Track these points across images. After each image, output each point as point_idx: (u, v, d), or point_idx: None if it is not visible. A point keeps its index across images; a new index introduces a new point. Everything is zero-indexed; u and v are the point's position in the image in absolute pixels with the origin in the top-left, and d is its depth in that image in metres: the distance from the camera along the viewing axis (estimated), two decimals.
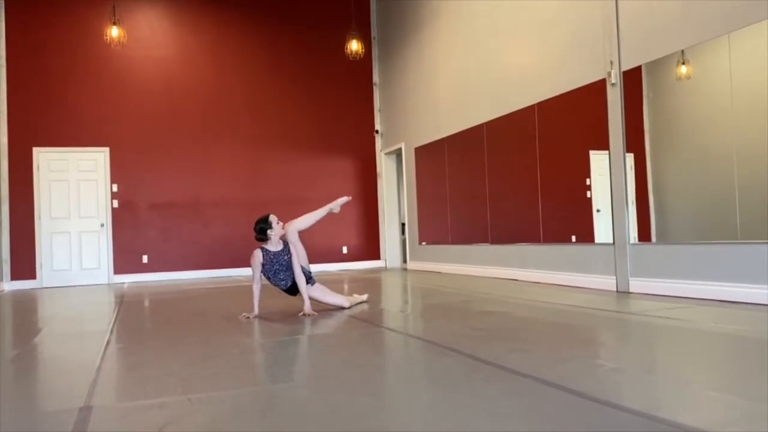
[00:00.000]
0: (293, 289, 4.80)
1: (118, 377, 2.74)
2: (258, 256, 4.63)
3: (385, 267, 10.90)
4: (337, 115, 10.86)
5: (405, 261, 10.74)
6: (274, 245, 4.67)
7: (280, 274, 4.68)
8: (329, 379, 2.48)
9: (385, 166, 11.04)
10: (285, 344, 3.39)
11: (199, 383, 2.53)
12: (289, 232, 4.77)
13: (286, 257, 4.68)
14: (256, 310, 4.67)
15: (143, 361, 3.07)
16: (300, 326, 4.09)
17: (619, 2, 5.42)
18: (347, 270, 10.47)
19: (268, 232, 4.62)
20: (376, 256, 11.08)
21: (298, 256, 4.73)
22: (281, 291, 4.91)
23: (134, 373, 2.81)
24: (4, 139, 9.03)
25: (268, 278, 4.72)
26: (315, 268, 10.58)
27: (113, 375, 2.78)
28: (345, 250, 10.84)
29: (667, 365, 2.56)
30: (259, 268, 4.63)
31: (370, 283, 7.48)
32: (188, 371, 2.79)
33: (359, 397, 2.18)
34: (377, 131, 11.11)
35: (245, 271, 10.05)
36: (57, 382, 2.70)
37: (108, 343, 3.69)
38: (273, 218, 4.68)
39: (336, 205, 5.24)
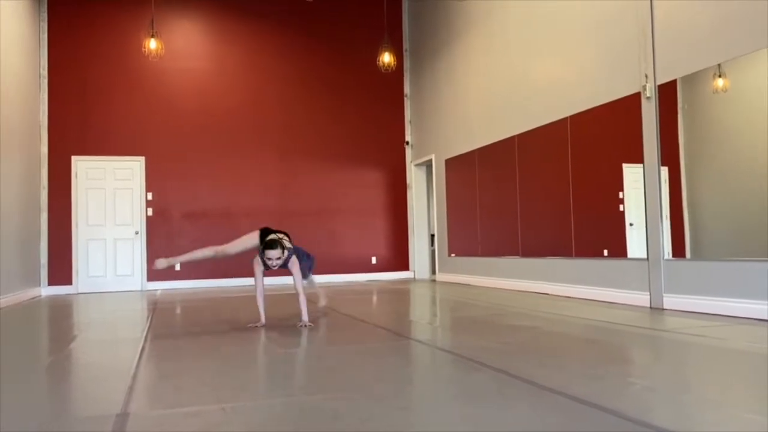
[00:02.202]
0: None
1: (153, 384, 2.79)
2: (258, 263, 4.70)
3: (414, 278, 10.89)
4: (368, 126, 10.93)
5: (434, 272, 10.72)
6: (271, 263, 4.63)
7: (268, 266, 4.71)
8: (360, 391, 2.50)
9: (415, 177, 11.06)
10: (315, 355, 3.42)
11: (232, 392, 2.57)
12: (292, 262, 4.72)
13: (281, 265, 4.70)
14: (263, 319, 4.78)
15: (177, 369, 3.13)
16: (329, 336, 4.12)
17: (655, 16, 5.37)
18: (376, 280, 10.49)
19: (267, 252, 4.55)
20: (404, 267, 11.08)
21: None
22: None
23: (169, 380, 2.86)
24: (45, 149, 9.29)
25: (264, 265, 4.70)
26: (343, 278, 10.64)
27: (148, 382, 2.83)
28: (374, 260, 10.87)
29: (701, 385, 2.51)
30: (260, 275, 4.73)
31: (399, 295, 7.48)
32: (222, 380, 2.83)
33: (391, 411, 2.19)
34: (407, 143, 11.14)
35: (275, 281, 10.14)
36: (93, 388, 2.77)
37: (143, 350, 3.76)
38: (273, 254, 4.55)
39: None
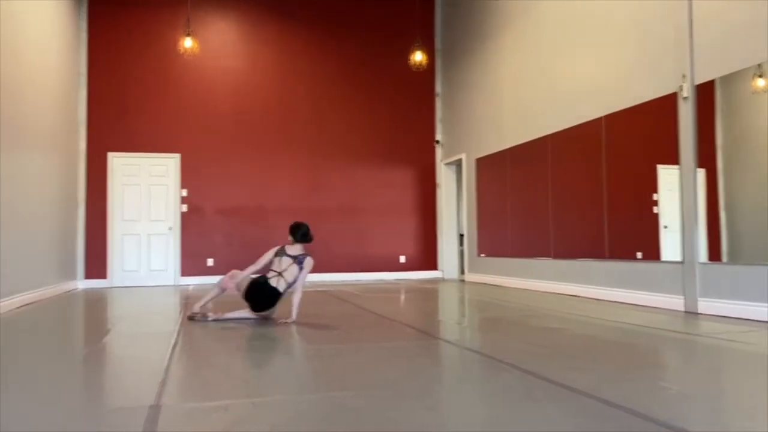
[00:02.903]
0: (265, 301, 4.81)
1: (185, 378, 2.84)
2: (274, 249, 4.99)
3: (443, 278, 10.86)
4: (399, 124, 10.93)
5: (462, 273, 10.68)
6: (292, 249, 4.95)
7: (275, 270, 4.87)
8: (387, 390, 2.51)
9: (444, 176, 11.03)
10: (343, 352, 3.44)
11: (261, 387, 2.60)
12: (308, 262, 4.92)
13: (293, 263, 4.85)
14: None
15: (209, 363, 3.18)
16: (358, 334, 4.14)
17: (694, 15, 5.27)
18: (404, 279, 10.49)
19: (293, 238, 4.96)
20: (433, 266, 11.06)
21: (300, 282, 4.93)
22: (246, 300, 4.88)
23: (200, 374, 2.91)
24: (83, 145, 9.50)
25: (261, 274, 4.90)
26: (371, 276, 10.66)
27: (180, 375, 2.88)
28: (402, 259, 10.87)
29: (734, 391, 2.46)
30: (269, 257, 4.92)
31: (427, 294, 7.47)
32: (251, 374, 2.86)
33: (417, 410, 2.19)
34: (438, 141, 11.11)
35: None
36: (127, 380, 2.83)
37: (175, 344, 3.83)
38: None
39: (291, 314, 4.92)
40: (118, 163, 9.66)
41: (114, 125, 9.66)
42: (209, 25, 10.14)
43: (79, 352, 3.58)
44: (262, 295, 4.79)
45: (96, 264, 9.51)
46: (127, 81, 9.76)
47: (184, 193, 9.85)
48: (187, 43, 8.56)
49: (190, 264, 9.83)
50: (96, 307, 6.42)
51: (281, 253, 4.91)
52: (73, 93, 9.16)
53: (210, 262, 9.88)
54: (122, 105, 9.72)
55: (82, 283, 9.41)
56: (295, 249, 4.93)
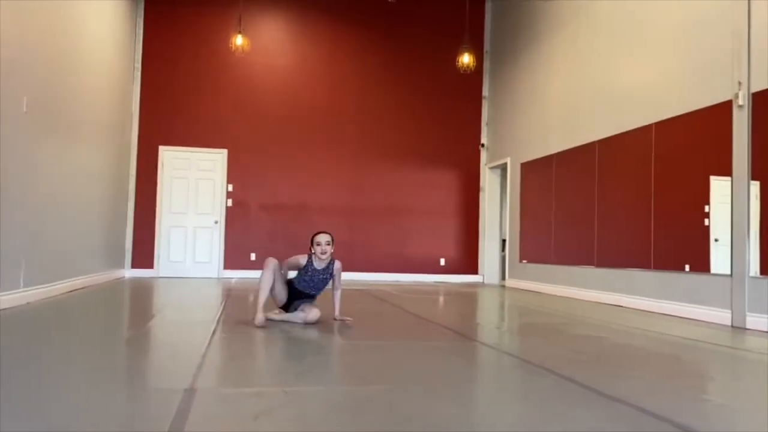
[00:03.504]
0: (295, 298, 4.52)
1: (221, 364, 2.89)
2: (303, 259, 4.44)
3: (483, 283, 10.76)
4: (444, 126, 10.89)
5: (503, 278, 10.56)
6: (318, 263, 4.44)
7: (307, 283, 4.47)
8: (420, 386, 2.50)
9: (488, 180, 10.94)
10: (378, 348, 3.44)
11: (294, 377, 2.63)
12: (337, 269, 4.53)
13: (323, 276, 4.45)
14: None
15: (245, 352, 3.23)
16: (396, 331, 4.14)
17: (752, 20, 5.09)
18: (443, 282, 10.44)
19: (318, 237, 4.41)
20: (473, 270, 10.97)
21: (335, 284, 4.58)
22: (279, 298, 4.51)
23: (236, 362, 2.96)
24: (134, 138, 9.78)
25: (291, 281, 4.50)
26: (411, 278, 10.64)
27: (217, 362, 2.94)
28: (442, 262, 10.83)
29: None
30: (290, 268, 4.49)
31: (467, 298, 7.42)
32: (285, 365, 2.89)
33: (449, 406, 2.18)
34: (483, 145, 11.03)
35: (346, 275, 10.27)
36: (167, 363, 2.89)
37: (214, 332, 3.90)
38: (315, 241, 4.39)
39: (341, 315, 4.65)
40: (168, 156, 9.90)
41: (165, 119, 9.91)
42: (260, 24, 10.31)
43: (122, 335, 3.68)
44: (302, 290, 4.54)
45: (143, 254, 9.76)
46: (179, 76, 10.01)
47: (230, 188, 10.03)
48: (239, 41, 8.73)
49: (234, 257, 10.00)
50: (141, 295, 6.59)
51: (311, 270, 4.44)
52: (127, 87, 9.44)
53: (253, 256, 10.03)
54: (174, 100, 9.97)
55: (129, 272, 9.68)
56: (322, 261, 4.44)
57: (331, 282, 4.55)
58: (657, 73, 6.37)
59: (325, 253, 4.38)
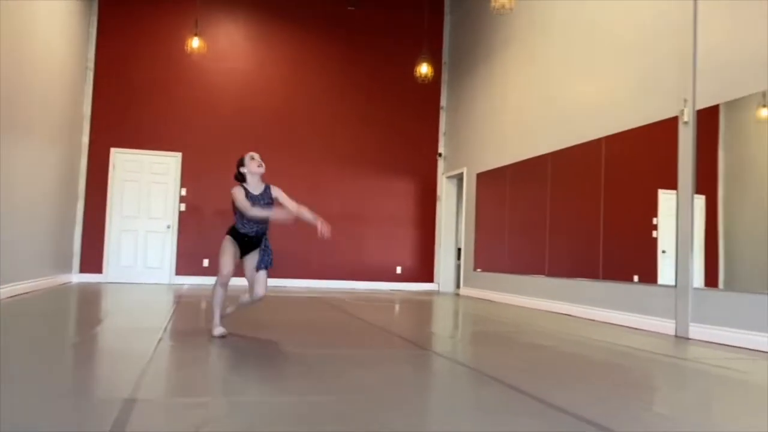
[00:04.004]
0: (253, 243, 4.26)
1: (165, 373, 2.82)
2: (240, 191, 4.15)
3: (438, 291, 10.83)
4: (402, 136, 10.94)
5: (458, 286, 10.65)
6: (253, 187, 4.23)
7: (240, 218, 4.20)
8: (369, 396, 2.49)
9: (445, 189, 11.02)
10: (329, 358, 3.42)
11: (241, 387, 2.58)
12: (277, 190, 4.38)
13: (263, 202, 4.21)
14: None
15: (191, 360, 3.16)
16: (349, 340, 4.12)
17: (698, 39, 5.27)
18: (399, 290, 10.46)
19: (241, 170, 4.25)
20: (429, 278, 11.03)
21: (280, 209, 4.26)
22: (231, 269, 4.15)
23: (181, 371, 2.90)
24: (86, 139, 9.52)
25: (235, 232, 4.21)
26: (367, 286, 10.63)
27: (161, 371, 2.87)
28: (399, 270, 10.85)
29: (719, 417, 2.44)
30: (244, 201, 4.06)
31: (421, 306, 7.45)
32: (233, 374, 2.85)
33: (395, 416, 2.17)
34: (440, 154, 11.12)
35: (302, 283, 10.20)
36: (109, 372, 2.81)
37: (161, 339, 3.81)
38: (247, 156, 4.26)
39: (316, 221, 4.32)
40: (120, 159, 9.67)
41: (118, 121, 9.69)
42: (218, 27, 10.19)
43: (66, 342, 3.57)
44: (249, 232, 4.23)
45: (92, 258, 9.50)
46: (134, 78, 9.80)
47: (183, 192, 9.86)
48: (195, 43, 8.61)
49: (186, 263, 9.81)
50: (88, 300, 6.40)
51: (250, 197, 4.15)
52: (79, 87, 9.19)
53: (206, 262, 9.86)
54: (128, 102, 9.75)
55: (77, 277, 9.40)
56: (258, 185, 4.27)
57: (276, 208, 4.24)
58: (608, 88, 6.54)
59: (262, 165, 4.26)
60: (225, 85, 10.18)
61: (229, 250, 4.19)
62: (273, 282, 10.01)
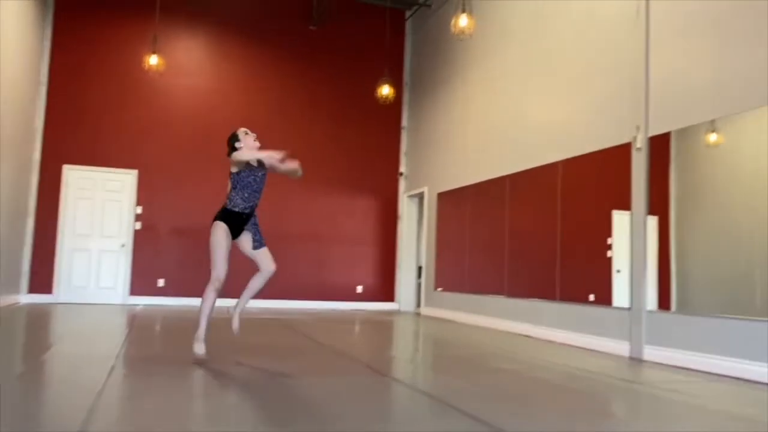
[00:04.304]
0: (244, 220, 4.33)
1: (117, 404, 2.73)
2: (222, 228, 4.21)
3: (399, 310, 10.82)
4: (363, 155, 10.96)
5: (419, 305, 10.66)
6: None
7: (251, 189, 4.33)
8: (326, 427, 2.45)
9: (406, 208, 11.06)
10: (287, 385, 3.36)
11: (197, 419, 2.52)
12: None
13: (262, 172, 4.34)
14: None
15: (145, 390, 3.07)
16: (307, 365, 4.06)
17: (650, 69, 5.44)
18: (360, 310, 10.41)
19: (236, 145, 4.30)
20: (390, 298, 11.02)
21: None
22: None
23: (133, 401, 2.81)
24: (37, 155, 9.25)
25: (229, 215, 4.26)
26: (327, 305, 10.55)
27: (113, 402, 2.77)
28: (359, 289, 10.81)
29: None
30: (252, 151, 4.19)
31: (382, 327, 7.42)
32: (188, 405, 2.77)
33: None
34: (401, 174, 11.18)
35: (261, 303, 10.06)
36: (57, 403, 2.71)
37: (113, 368, 3.69)
38: (241, 132, 4.38)
39: (284, 164, 4.32)
40: (73, 176, 9.41)
41: (72, 137, 9.44)
42: (177, 43, 10.07)
43: (12, 370, 3.42)
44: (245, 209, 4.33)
45: (42, 278, 9.18)
46: (89, 94, 9.59)
47: (139, 210, 9.64)
48: (153, 60, 8.48)
49: (141, 283, 9.58)
50: (38, 323, 6.18)
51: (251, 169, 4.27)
52: (31, 102, 8.94)
53: (161, 282, 9.64)
54: (82, 117, 9.52)
55: (26, 298, 9.07)
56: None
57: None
58: (565, 114, 6.68)
59: (257, 141, 4.35)
60: (184, 102, 10.05)
61: (223, 245, 4.14)
62: (229, 302, 9.84)
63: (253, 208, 4.35)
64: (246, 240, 4.30)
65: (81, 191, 9.43)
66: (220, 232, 4.16)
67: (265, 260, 4.27)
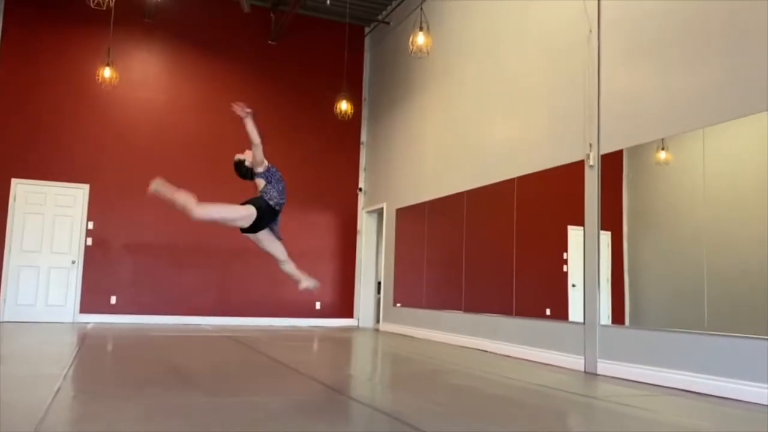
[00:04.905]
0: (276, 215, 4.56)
1: (61, 431, 2.62)
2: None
3: (358, 326, 10.76)
4: (322, 170, 10.92)
5: (378, 321, 10.63)
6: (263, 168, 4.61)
7: (283, 183, 4.64)
8: None
9: (365, 224, 11.05)
10: (241, 406, 3.29)
11: None
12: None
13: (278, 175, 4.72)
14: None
15: (92, 414, 2.96)
16: (262, 385, 3.99)
17: (602, 89, 5.59)
18: (318, 327, 10.32)
19: (246, 164, 4.69)
20: (349, 314, 10.95)
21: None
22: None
23: (79, 427, 2.70)
24: None
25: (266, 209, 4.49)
26: (285, 322, 10.43)
27: (57, 428, 2.66)
28: (318, 305, 10.71)
29: None
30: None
31: (340, 344, 7.36)
32: (137, 429, 2.68)
33: None
34: (360, 189, 11.17)
35: (216, 320, 9.87)
36: None
37: (59, 390, 3.56)
38: (239, 156, 4.78)
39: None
40: (21, 190, 9.11)
41: (20, 150, 9.16)
42: (132, 56, 9.89)
43: None
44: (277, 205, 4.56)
45: None
46: (39, 105, 9.32)
47: (90, 225, 9.38)
48: (106, 73, 8.31)
49: (91, 301, 9.29)
50: None
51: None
52: None
53: (113, 299, 9.38)
54: (31, 129, 9.25)
55: None
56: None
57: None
58: (520, 131, 6.79)
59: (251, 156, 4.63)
60: (138, 115, 9.86)
61: (235, 207, 4.56)
62: (185, 319, 9.65)
63: (282, 206, 4.57)
64: (265, 234, 4.56)
65: (30, 206, 9.14)
66: (244, 210, 4.44)
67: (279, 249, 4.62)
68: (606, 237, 5.49)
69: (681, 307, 4.72)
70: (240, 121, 4.56)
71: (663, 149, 5.03)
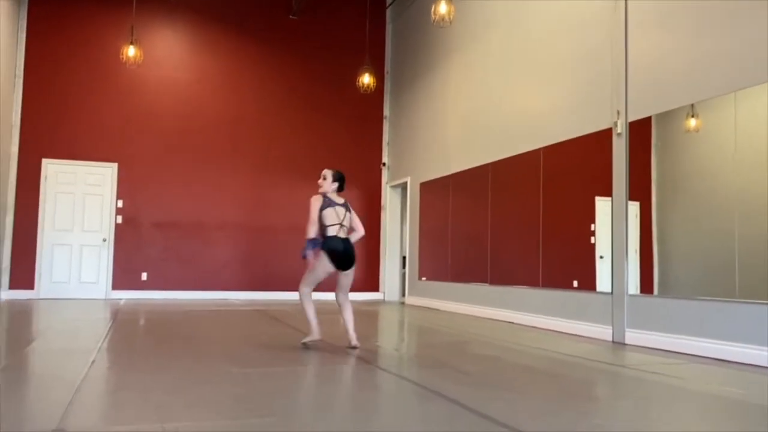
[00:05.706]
0: (352, 257, 4.77)
1: (96, 399, 2.70)
2: (317, 199, 4.63)
3: (383, 300, 10.83)
4: (346, 145, 10.91)
5: (403, 295, 10.68)
6: (339, 198, 4.75)
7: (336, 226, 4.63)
8: (309, 416, 2.44)
9: (389, 199, 11.05)
10: (271, 376, 3.35)
11: (177, 411, 2.49)
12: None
13: (344, 210, 4.73)
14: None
15: (125, 384, 3.04)
16: (292, 356, 4.05)
17: (629, 55, 5.46)
18: None
19: (319, 182, 4.75)
20: (375, 288, 11.02)
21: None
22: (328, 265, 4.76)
23: (113, 396, 2.78)
24: (15, 149, 9.11)
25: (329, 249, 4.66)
26: (313, 296, 10.49)
27: (92, 396, 2.74)
28: None
29: (657, 426, 2.50)
30: (316, 211, 4.57)
31: (367, 317, 7.42)
32: (168, 398, 2.75)
33: None
34: (384, 164, 11.15)
35: (245, 295, 10.01)
36: (37, 399, 2.67)
37: (93, 362, 3.65)
38: (327, 173, 4.77)
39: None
40: (52, 170, 9.29)
41: (50, 131, 9.31)
42: (156, 34, 9.94)
43: None
44: (347, 254, 4.76)
45: (22, 274, 9.07)
46: (67, 86, 9.45)
47: (120, 204, 9.54)
48: (131, 51, 8.35)
49: (123, 278, 9.49)
50: (18, 319, 6.10)
51: (331, 203, 4.65)
52: (7, 95, 8.79)
53: (144, 276, 9.57)
54: (60, 111, 9.39)
55: (6, 294, 8.96)
56: (339, 197, 4.78)
57: (350, 221, 4.82)
58: (546, 100, 6.69)
59: (326, 178, 4.71)
60: (163, 93, 9.93)
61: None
62: (214, 294, 9.81)
63: (348, 253, 4.95)
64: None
65: (61, 185, 9.31)
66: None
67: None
68: (634, 207, 5.40)
69: (712, 275, 4.64)
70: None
71: (693, 116, 4.91)
